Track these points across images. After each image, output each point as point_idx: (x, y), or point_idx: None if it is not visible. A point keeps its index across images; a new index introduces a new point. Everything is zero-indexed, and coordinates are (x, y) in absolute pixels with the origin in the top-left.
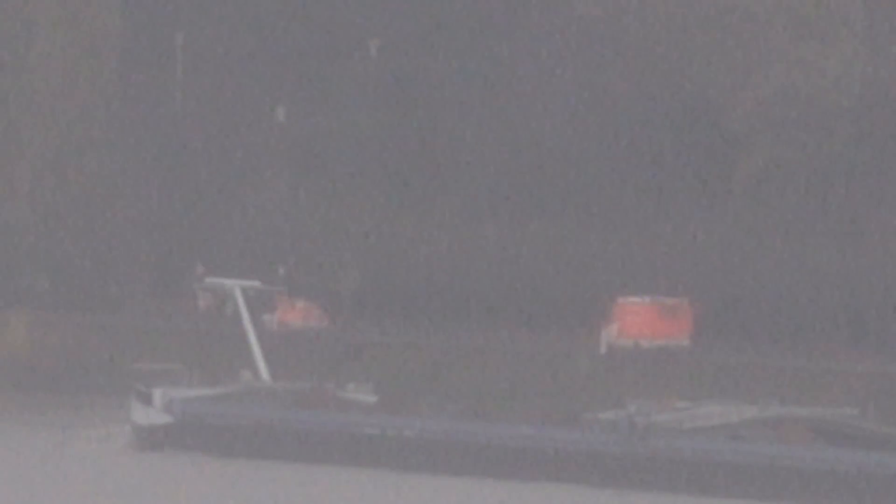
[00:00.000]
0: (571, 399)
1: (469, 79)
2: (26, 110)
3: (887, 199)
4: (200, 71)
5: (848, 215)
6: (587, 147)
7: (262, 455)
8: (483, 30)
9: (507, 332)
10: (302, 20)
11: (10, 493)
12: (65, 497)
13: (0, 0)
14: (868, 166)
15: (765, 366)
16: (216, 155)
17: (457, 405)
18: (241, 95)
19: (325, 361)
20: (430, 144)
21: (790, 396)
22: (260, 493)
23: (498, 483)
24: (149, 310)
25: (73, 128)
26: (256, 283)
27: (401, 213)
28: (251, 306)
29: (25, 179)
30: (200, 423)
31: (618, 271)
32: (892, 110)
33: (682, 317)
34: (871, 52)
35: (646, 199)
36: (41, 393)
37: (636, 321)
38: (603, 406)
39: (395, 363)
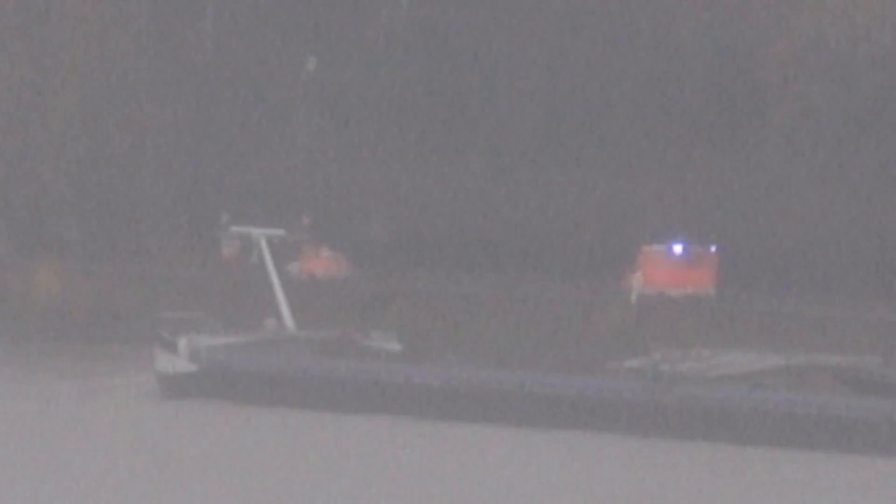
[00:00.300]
0: (597, 347)
1: (498, 28)
2: (57, 60)
3: None
4: (231, 21)
5: (878, 164)
6: (617, 96)
7: (287, 403)
8: None
9: (533, 281)
10: None
11: (37, 440)
12: (90, 445)
13: None
14: None
15: (789, 314)
16: (245, 104)
17: (482, 353)
18: (271, 45)
19: (349, 310)
20: (459, 94)
21: (815, 345)
22: (284, 440)
23: (523, 431)
24: (175, 259)
25: (104, 78)
26: (281, 232)
27: (429, 163)
28: (276, 255)
29: (56, 130)
30: (225, 371)
31: (645, 220)
32: None
33: (707, 265)
34: None
35: (676, 148)
36: (69, 341)
37: (662, 270)
38: (628, 354)
39: (420, 312)
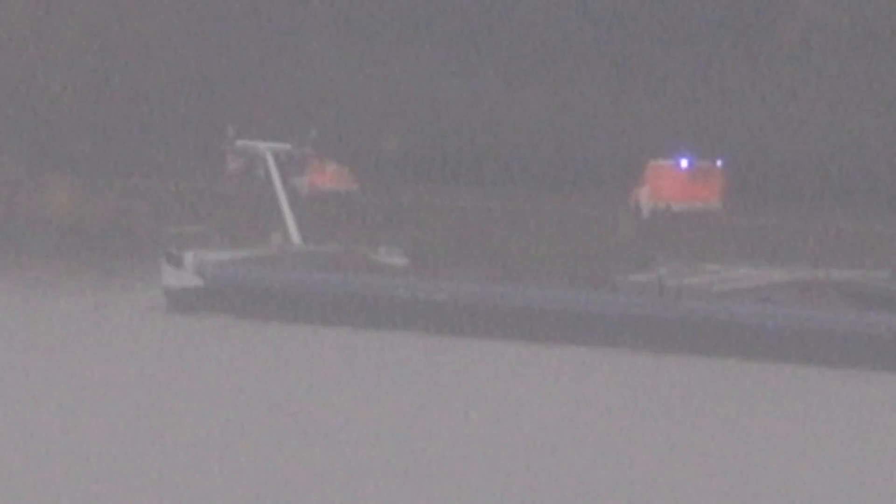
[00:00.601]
0: (605, 262)
1: None
2: None
3: None
4: None
5: (889, 79)
6: (626, 9)
7: (293, 318)
8: None
9: (541, 195)
10: None
11: (45, 355)
12: (97, 358)
13: None
14: None
15: (796, 229)
16: (254, 16)
17: (489, 268)
18: None
19: (356, 225)
20: (471, 6)
21: (822, 259)
22: (290, 355)
23: (528, 345)
24: (182, 173)
25: None
26: (287, 146)
27: (439, 76)
28: (282, 169)
29: (65, 45)
30: (231, 285)
31: (652, 134)
32: None
33: (714, 180)
34: None
35: (684, 62)
36: (78, 257)
37: (668, 184)
38: (636, 269)
39: (428, 226)
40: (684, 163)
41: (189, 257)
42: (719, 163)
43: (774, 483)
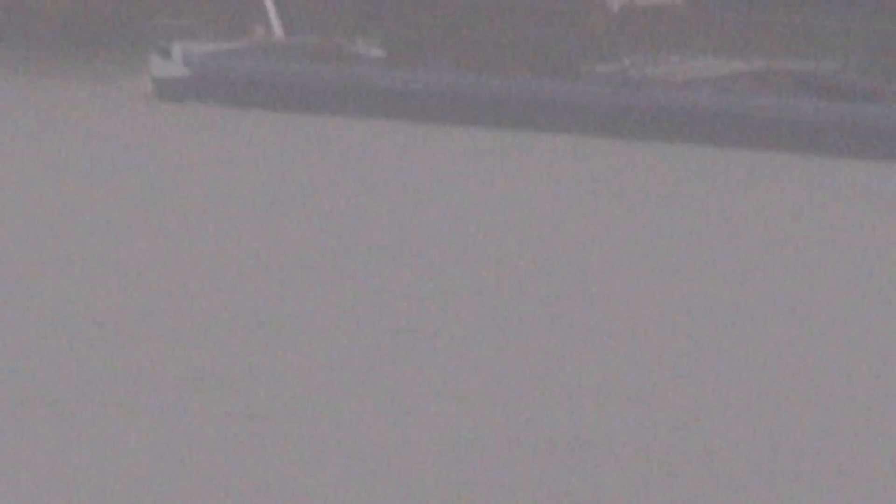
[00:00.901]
0: (572, 54)
1: None
2: None
3: None
4: None
5: None
6: None
7: (275, 107)
8: None
9: None
10: None
11: (38, 140)
12: (89, 142)
13: None
14: None
15: (756, 22)
16: None
17: (462, 59)
18: None
19: (335, 18)
20: None
21: (778, 51)
22: (272, 142)
23: (496, 132)
24: None
25: None
26: None
27: None
28: None
29: None
30: (216, 75)
31: None
32: None
33: None
34: None
35: None
36: (70, 48)
37: None
38: (599, 60)
39: (404, 19)
40: None
41: (177, 49)
42: None
43: (733, 265)
